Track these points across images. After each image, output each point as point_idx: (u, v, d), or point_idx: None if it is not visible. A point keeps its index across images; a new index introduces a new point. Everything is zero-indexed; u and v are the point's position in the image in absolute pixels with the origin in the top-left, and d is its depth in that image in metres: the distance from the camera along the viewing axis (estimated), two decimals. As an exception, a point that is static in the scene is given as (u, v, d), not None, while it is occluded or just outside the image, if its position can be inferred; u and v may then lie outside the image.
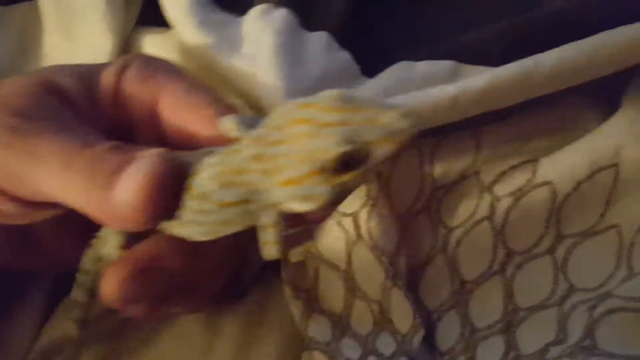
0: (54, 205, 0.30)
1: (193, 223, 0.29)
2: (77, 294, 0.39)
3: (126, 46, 0.49)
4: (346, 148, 0.24)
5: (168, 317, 0.42)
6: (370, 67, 0.44)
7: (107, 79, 0.32)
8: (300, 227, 0.33)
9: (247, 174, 0.27)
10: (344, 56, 0.45)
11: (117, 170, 0.27)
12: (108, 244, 0.33)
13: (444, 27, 0.46)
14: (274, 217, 0.27)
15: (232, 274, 0.38)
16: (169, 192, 0.27)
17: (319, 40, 0.45)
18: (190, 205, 0.28)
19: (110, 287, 0.31)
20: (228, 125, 0.29)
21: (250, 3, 0.46)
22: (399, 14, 0.48)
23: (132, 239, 0.33)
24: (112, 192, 0.27)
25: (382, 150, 0.25)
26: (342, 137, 0.24)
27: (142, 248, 0.32)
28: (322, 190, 0.25)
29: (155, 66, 0.33)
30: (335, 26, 0.46)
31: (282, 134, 0.26)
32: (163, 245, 0.32)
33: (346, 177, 0.25)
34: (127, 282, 0.31)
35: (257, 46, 0.43)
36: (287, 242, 0.31)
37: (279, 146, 0.26)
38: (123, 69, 0.32)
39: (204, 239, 0.30)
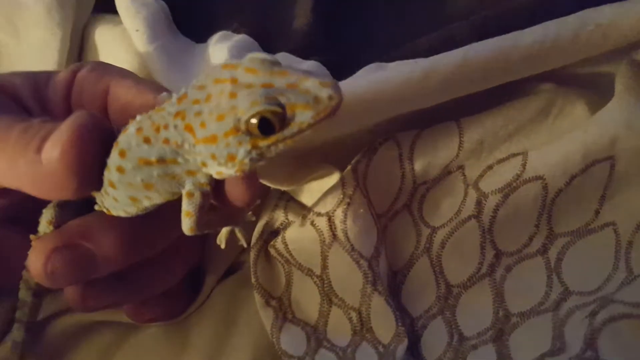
0: None
1: (118, 190, 0.29)
2: (22, 294, 0.36)
3: (79, 39, 0.47)
4: (264, 107, 0.24)
5: (112, 308, 0.38)
6: (343, 70, 0.42)
7: (60, 77, 0.33)
8: (226, 209, 0.31)
9: (168, 131, 0.27)
10: (312, 64, 0.44)
11: (46, 136, 0.28)
12: (41, 222, 0.32)
13: (415, 26, 0.44)
14: (194, 185, 0.28)
15: (185, 272, 0.36)
16: (95, 145, 0.28)
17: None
18: (114, 163, 0.28)
19: (35, 261, 0.30)
20: (165, 98, 0.30)
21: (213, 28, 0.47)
22: (368, 16, 0.48)
23: (66, 217, 0.32)
24: (40, 155, 0.27)
25: (301, 117, 0.25)
26: (262, 97, 0.24)
27: (72, 224, 0.31)
28: (240, 151, 0.26)
29: (107, 65, 0.35)
30: (304, 43, 0.46)
31: (204, 93, 0.26)
32: (95, 223, 0.31)
33: (265, 141, 0.25)
34: (53, 256, 0.30)
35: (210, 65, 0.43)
36: (211, 221, 0.30)
37: (201, 104, 0.26)
38: (77, 69, 0.34)
39: (129, 211, 0.30)
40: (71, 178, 0.27)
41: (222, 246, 0.33)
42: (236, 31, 0.46)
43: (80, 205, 0.32)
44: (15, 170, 0.28)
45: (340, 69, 0.39)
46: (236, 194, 0.29)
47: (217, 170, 0.27)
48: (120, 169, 0.28)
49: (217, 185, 0.29)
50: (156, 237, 0.33)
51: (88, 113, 0.28)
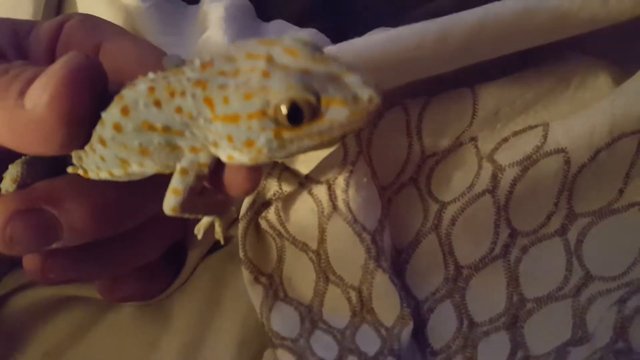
0: None
1: (108, 148, 0.26)
2: None
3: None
4: (299, 94, 0.22)
5: (77, 282, 0.36)
6: (341, 39, 0.40)
7: (46, 27, 0.30)
8: (216, 197, 0.29)
9: (184, 99, 0.24)
10: (308, 32, 0.42)
11: (32, 78, 0.24)
12: (5, 179, 0.28)
13: None
14: (192, 163, 0.25)
15: (164, 247, 0.34)
16: (90, 92, 0.24)
17: (271, 26, 0.44)
18: (112, 118, 0.25)
19: None
20: (173, 60, 0.26)
21: None
22: None
23: (35, 177, 0.29)
24: (23, 100, 0.24)
25: (335, 114, 0.23)
26: (298, 84, 0.22)
27: (39, 185, 0.28)
28: (261, 138, 0.23)
29: (99, 20, 0.32)
30: (300, 10, 0.45)
31: (233, 66, 0.23)
32: (64, 188, 0.28)
33: (290, 132, 0.23)
34: (14, 219, 0.27)
35: (204, 26, 0.41)
36: (195, 206, 0.27)
37: (227, 77, 0.23)
38: (65, 20, 0.31)
39: (115, 173, 0.27)
40: (60, 128, 0.24)
41: (199, 237, 0.31)
42: None
43: (51, 166, 0.29)
44: None
45: (338, 38, 0.36)
46: (236, 181, 0.26)
47: (229, 154, 0.24)
48: (117, 127, 0.25)
49: (216, 167, 0.26)
50: (131, 211, 0.30)
51: (84, 55, 0.25)
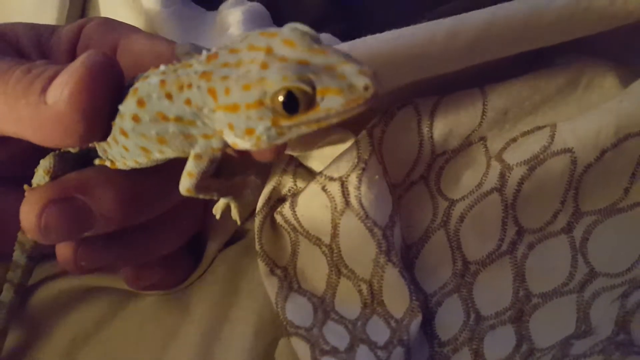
0: None
1: (130, 139, 0.27)
2: (16, 255, 0.35)
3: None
4: (293, 84, 0.23)
5: (107, 271, 0.37)
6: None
7: (66, 30, 0.32)
8: (233, 180, 0.30)
9: (192, 91, 0.25)
10: (322, 36, 0.42)
11: (53, 76, 0.26)
12: (37, 172, 0.30)
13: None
14: (206, 148, 0.27)
15: (185, 238, 0.35)
16: (108, 87, 0.26)
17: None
18: (130, 110, 0.26)
19: (28, 213, 0.28)
20: (184, 48, 0.28)
21: None
22: None
23: (65, 168, 0.30)
24: (46, 96, 0.25)
25: (331, 102, 0.23)
26: (294, 74, 0.23)
27: (70, 176, 0.30)
28: (259, 126, 0.24)
29: (116, 22, 0.33)
30: (316, 15, 0.46)
31: (236, 57, 0.24)
32: (94, 177, 0.29)
33: (287, 120, 0.24)
34: (47, 208, 0.28)
35: (222, 31, 0.42)
36: (210, 187, 0.29)
37: (230, 68, 0.24)
38: (84, 23, 0.33)
39: (140, 161, 0.28)
40: (80, 122, 0.26)
41: (217, 217, 0.32)
42: None
43: (79, 158, 0.30)
44: (15, 113, 0.26)
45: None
46: (259, 152, 0.28)
47: (232, 140, 0.26)
48: (135, 118, 0.26)
49: None
50: (156, 197, 0.31)
51: (101, 52, 0.26)
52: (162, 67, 0.26)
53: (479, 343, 0.33)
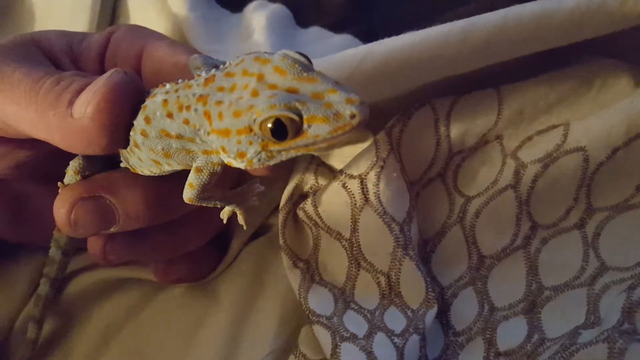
0: (22, 144, 0.31)
1: (142, 151, 0.29)
2: (52, 252, 0.37)
3: (111, 1, 0.47)
4: (280, 113, 0.24)
5: (134, 264, 0.39)
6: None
7: (96, 37, 0.34)
8: (234, 191, 0.32)
9: (190, 113, 0.26)
10: (343, 38, 0.44)
11: (80, 90, 0.28)
12: (68, 172, 0.32)
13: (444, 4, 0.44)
14: (206, 163, 0.28)
15: (211, 235, 0.37)
16: (128, 105, 0.28)
17: (309, 33, 0.47)
18: (139, 125, 0.28)
19: (60, 209, 0.30)
20: (195, 62, 0.30)
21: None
22: None
23: (93, 168, 0.32)
24: (72, 109, 0.27)
25: (317, 130, 0.24)
26: (281, 103, 0.24)
27: (98, 176, 0.32)
28: (250, 150, 0.25)
29: (142, 28, 0.35)
30: (338, 17, 0.46)
31: (230, 82, 0.26)
32: (119, 179, 0.31)
33: (276, 145, 0.25)
34: (78, 204, 0.30)
35: (247, 33, 0.43)
36: (212, 197, 0.30)
37: (224, 93, 0.25)
38: (113, 31, 0.34)
39: (153, 171, 0.30)
40: (102, 136, 0.27)
41: (224, 221, 0.33)
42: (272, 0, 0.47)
43: (108, 159, 0.32)
44: (45, 121, 0.28)
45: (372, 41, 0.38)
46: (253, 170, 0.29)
47: (227, 160, 0.27)
48: (144, 133, 0.28)
49: None
50: (177, 200, 0.32)
51: (124, 71, 0.28)
52: (167, 86, 0.28)
53: (492, 333, 0.34)
